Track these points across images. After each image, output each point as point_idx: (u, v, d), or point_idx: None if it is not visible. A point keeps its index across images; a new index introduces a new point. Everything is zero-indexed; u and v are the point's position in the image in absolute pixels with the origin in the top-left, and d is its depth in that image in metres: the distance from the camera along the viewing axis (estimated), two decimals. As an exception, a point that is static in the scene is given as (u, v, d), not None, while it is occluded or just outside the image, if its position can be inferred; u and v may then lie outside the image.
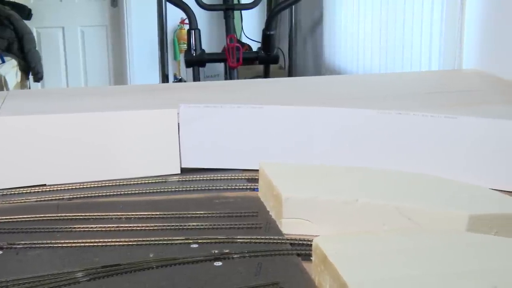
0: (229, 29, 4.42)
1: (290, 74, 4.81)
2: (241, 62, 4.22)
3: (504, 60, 2.11)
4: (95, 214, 1.36)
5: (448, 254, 1.04)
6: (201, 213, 1.36)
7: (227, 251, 1.17)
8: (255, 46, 5.01)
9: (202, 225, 1.30)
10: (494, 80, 2.09)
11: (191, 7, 4.29)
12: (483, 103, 1.77)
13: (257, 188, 1.49)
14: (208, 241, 1.22)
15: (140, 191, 1.51)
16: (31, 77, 5.33)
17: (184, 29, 5.34)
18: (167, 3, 4.42)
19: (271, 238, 1.23)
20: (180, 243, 1.21)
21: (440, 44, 2.62)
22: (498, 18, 2.16)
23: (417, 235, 1.14)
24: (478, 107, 1.71)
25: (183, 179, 1.59)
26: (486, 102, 1.78)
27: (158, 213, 1.36)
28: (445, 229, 1.19)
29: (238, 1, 5.25)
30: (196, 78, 4.38)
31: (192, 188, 1.53)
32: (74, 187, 1.54)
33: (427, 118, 1.58)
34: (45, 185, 1.55)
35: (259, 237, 1.23)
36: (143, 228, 1.29)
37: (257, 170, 1.48)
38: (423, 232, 1.18)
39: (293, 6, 4.73)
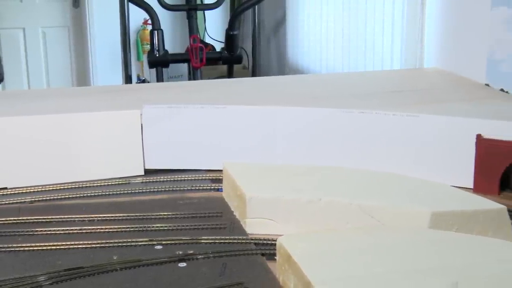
0: (192, 29, 4.41)
1: (254, 74, 4.81)
2: (204, 62, 4.21)
3: (463, 58, 2.14)
4: (58, 216, 1.35)
5: (411, 251, 1.05)
6: (165, 214, 1.36)
7: (191, 252, 1.17)
8: (218, 46, 5.01)
9: (166, 226, 1.30)
10: (454, 78, 2.11)
11: (153, 7, 4.27)
12: (444, 101, 1.79)
13: (221, 189, 1.49)
14: (172, 242, 1.21)
15: (103, 193, 1.50)
16: (-9, 78, 5.26)
17: (147, 29, 5.30)
18: (130, 3, 4.39)
19: (235, 238, 1.23)
20: (144, 245, 1.20)
21: (402, 44, 2.65)
22: (457, 18, 2.19)
23: (380, 232, 1.15)
24: (439, 105, 1.73)
25: (147, 180, 1.59)
26: (447, 100, 1.80)
27: (121, 214, 1.36)
28: (408, 226, 1.20)
29: (201, 1, 5.24)
30: (159, 78, 4.36)
31: (156, 189, 1.52)
32: (35, 190, 1.52)
33: (389, 117, 1.59)
34: (6, 188, 1.53)
35: (223, 237, 1.23)
36: (107, 230, 1.28)
37: (221, 171, 1.48)
38: (386, 229, 1.19)
39: (256, 6, 4.73)
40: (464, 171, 1.52)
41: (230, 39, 4.42)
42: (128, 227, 1.29)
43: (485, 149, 1.50)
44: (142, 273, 1.09)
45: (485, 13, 1.94)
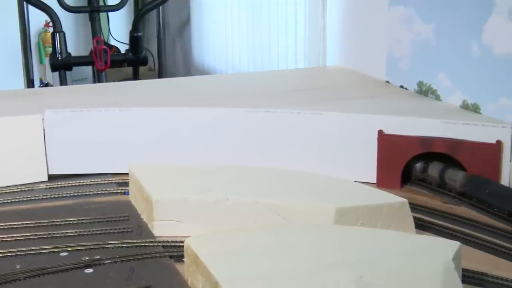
0: (95, 31, 4.33)
1: (160, 75, 4.78)
2: (109, 64, 4.14)
3: (364, 56, 2.19)
4: (-43, 227, 1.30)
5: (317, 247, 1.07)
6: (70, 220, 1.34)
7: (98, 257, 1.15)
8: (123, 48, 4.95)
9: (71, 232, 1.27)
10: (356, 76, 2.16)
11: (54, 9, 4.17)
12: (347, 99, 1.83)
13: (128, 192, 1.48)
14: (78, 248, 1.19)
15: (5, 201, 1.46)
16: None
17: (49, 32, 5.18)
18: (28, 5, 4.28)
19: (143, 242, 1.22)
20: (49, 252, 1.18)
21: (305, 43, 2.68)
22: (357, 17, 2.24)
23: (286, 230, 1.17)
24: (342, 103, 1.76)
25: (51, 186, 1.55)
26: (349, 98, 1.84)
27: (24, 222, 1.32)
28: (314, 222, 1.22)
29: (104, 2, 5.16)
30: (63, 82, 4.26)
31: (60, 195, 1.49)
32: None
33: (294, 115, 1.61)
34: None
35: (130, 241, 1.22)
36: (9, 238, 1.24)
37: (128, 174, 1.47)
38: (292, 227, 1.20)
39: (161, 7, 4.70)
40: (367, 166, 1.55)
41: (135, 40, 4.37)
42: (31, 235, 1.26)
43: (387, 144, 1.54)
44: (47, 281, 1.07)
45: (383, 12, 1.99)
